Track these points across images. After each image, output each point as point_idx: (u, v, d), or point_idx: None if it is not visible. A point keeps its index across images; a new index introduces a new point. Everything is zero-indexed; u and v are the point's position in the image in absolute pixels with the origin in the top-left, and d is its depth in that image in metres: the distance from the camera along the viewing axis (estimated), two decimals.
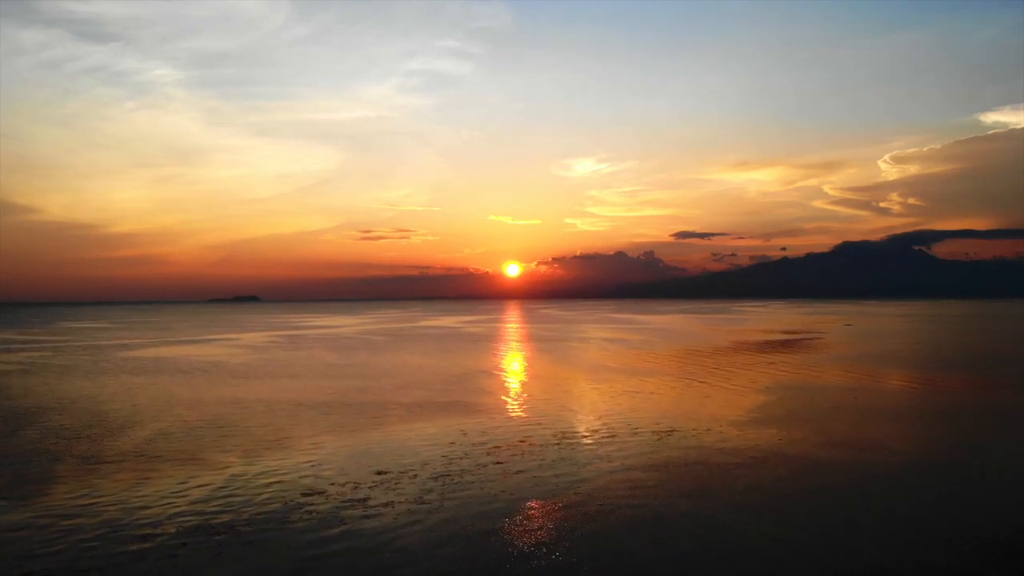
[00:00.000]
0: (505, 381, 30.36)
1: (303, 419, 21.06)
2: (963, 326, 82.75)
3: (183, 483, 13.84)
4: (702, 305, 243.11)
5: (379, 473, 14.46)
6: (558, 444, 17.16)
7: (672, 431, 18.58)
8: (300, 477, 14.24)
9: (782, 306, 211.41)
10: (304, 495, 12.96)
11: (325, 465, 15.22)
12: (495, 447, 16.90)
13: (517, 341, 58.78)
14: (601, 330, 76.66)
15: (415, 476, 14.18)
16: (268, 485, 13.65)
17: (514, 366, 37.32)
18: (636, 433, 18.37)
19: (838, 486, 13.33)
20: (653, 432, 18.45)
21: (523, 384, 29.55)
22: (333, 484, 13.67)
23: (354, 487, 13.44)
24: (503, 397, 25.48)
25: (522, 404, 23.82)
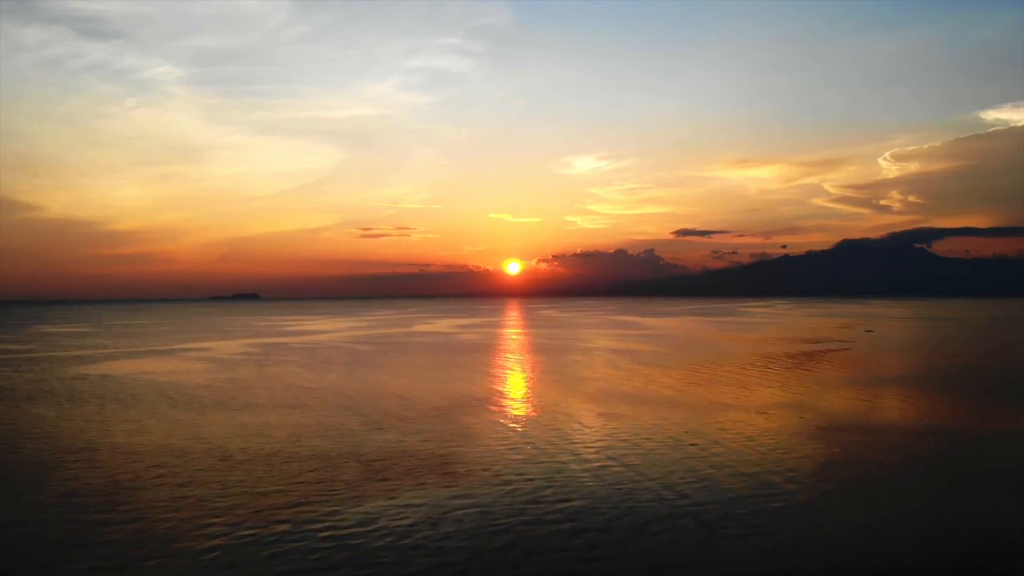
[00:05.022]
0: (496, 418, 25.08)
1: (219, 490, 15.75)
2: (989, 334, 77.76)
3: None
4: (705, 305, 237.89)
5: None
6: (564, 548, 11.92)
7: (724, 520, 13.31)
8: None
9: (787, 306, 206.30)
10: None
11: None
12: (475, 555, 11.66)
13: (514, 353, 53.52)
14: (605, 337, 71.44)
15: None
16: None
17: (509, 393, 32.08)
18: (674, 524, 13.12)
19: None
20: (696, 521, 13.20)
21: (518, 424, 24.25)
22: None
23: None
24: (492, 446, 20.17)
25: (516, 463, 18.53)
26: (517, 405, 27.92)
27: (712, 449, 19.34)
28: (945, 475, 16.64)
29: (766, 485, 15.73)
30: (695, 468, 17.34)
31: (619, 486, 15.72)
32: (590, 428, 22.58)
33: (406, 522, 13.39)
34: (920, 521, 13.27)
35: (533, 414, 25.56)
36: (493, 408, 26.88)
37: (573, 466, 17.60)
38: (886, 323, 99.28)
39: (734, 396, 29.13)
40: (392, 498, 14.99)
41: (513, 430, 22.52)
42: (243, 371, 41.06)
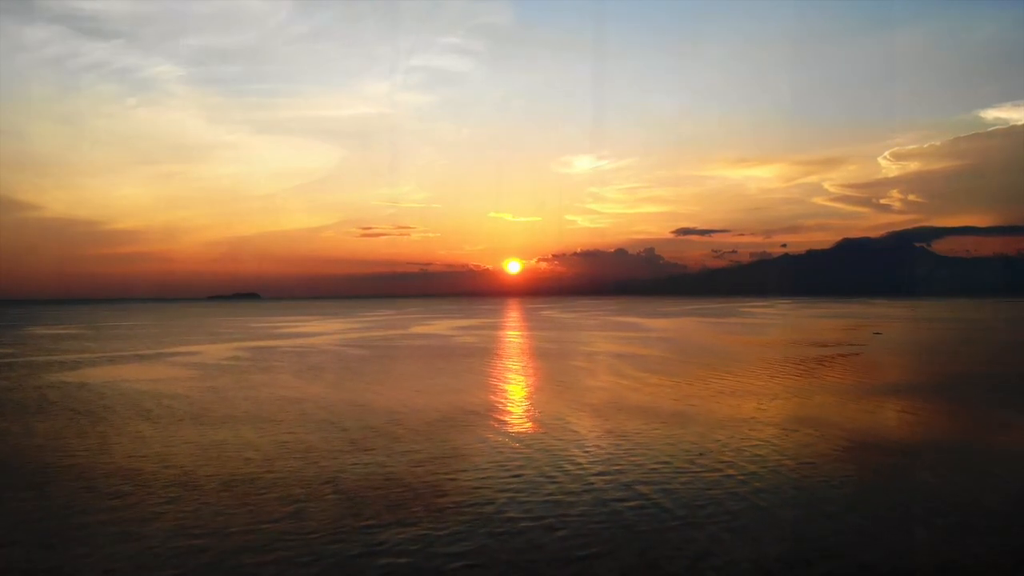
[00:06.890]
0: (496, 436, 22.96)
1: (177, 530, 13.62)
2: (999, 336, 75.87)
3: None
4: (706, 305, 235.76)
5: None
6: None
7: None
8: None
9: (789, 306, 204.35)
10: None
11: None
12: None
13: (514, 358, 51.43)
14: (607, 340, 69.37)
15: None
16: None
17: (509, 405, 29.97)
18: None
19: None
20: None
21: (521, 444, 22.11)
22: None
23: None
24: (492, 474, 18.03)
25: (521, 498, 16.44)
26: (518, 420, 25.84)
27: (773, 479, 17.21)
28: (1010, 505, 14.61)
29: (858, 532, 13.67)
30: (745, 498, 15.29)
31: (661, 533, 13.59)
32: (605, 450, 20.48)
33: None
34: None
35: (537, 431, 23.48)
36: (492, 423, 24.80)
37: (612, 504, 15.43)
38: (892, 324, 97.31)
39: (753, 408, 27.07)
40: (376, 544, 12.92)
41: (515, 452, 20.41)
42: (227, 379, 38.98)
